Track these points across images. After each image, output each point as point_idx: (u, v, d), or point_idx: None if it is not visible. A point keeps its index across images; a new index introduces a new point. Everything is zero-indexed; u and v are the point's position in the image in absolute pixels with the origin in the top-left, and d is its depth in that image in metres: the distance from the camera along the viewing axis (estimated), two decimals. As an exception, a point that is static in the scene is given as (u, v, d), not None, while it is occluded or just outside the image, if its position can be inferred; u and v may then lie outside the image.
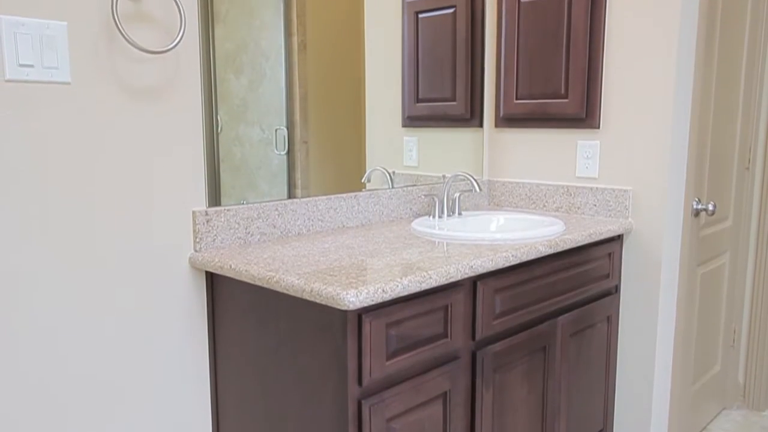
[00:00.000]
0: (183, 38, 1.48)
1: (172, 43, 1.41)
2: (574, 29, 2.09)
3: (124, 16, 1.39)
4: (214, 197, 1.62)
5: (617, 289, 2.13)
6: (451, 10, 2.18)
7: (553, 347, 1.84)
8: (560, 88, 2.15)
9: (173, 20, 1.48)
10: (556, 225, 1.86)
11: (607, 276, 2.04)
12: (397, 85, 2.07)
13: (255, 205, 1.68)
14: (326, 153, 1.88)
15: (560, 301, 1.84)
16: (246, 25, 1.64)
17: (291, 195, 1.80)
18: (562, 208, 2.23)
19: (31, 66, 1.26)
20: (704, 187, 2.27)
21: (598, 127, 2.11)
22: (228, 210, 1.62)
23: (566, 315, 1.88)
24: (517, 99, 2.27)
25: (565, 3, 2.10)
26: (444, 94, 2.21)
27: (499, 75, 2.31)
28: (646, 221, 2.06)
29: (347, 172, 1.94)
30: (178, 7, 1.42)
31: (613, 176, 2.11)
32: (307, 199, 1.80)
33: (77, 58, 1.33)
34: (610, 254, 2.03)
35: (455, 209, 2.11)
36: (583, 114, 2.12)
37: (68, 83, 1.32)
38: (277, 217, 1.73)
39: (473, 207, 2.37)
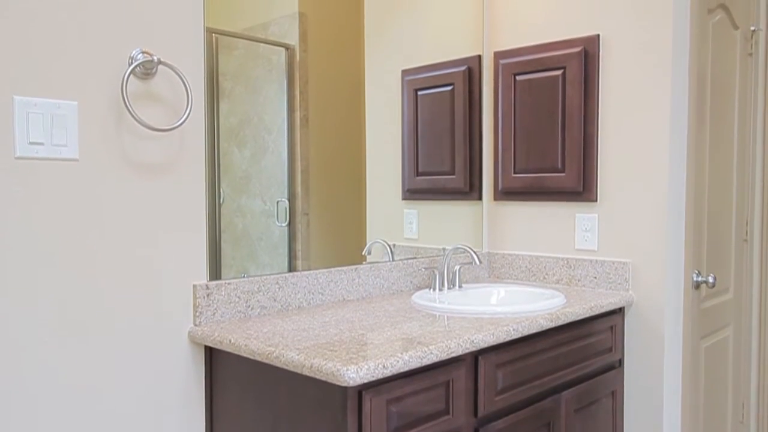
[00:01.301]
0: (189, 116, 1.52)
1: (178, 122, 1.46)
2: (569, 105, 2.16)
3: (133, 95, 1.44)
4: (215, 269, 1.63)
5: (621, 363, 2.09)
6: (449, 88, 2.25)
7: (558, 424, 1.80)
8: (557, 162, 2.19)
9: (180, 98, 1.53)
10: (557, 298, 1.86)
11: (610, 350, 2.02)
12: (397, 159, 2.11)
13: (256, 278, 1.68)
14: (327, 225, 1.89)
15: (563, 376, 1.81)
16: (250, 101, 1.69)
17: (291, 266, 1.80)
18: (562, 280, 2.23)
19: (41, 144, 1.29)
20: (703, 259, 2.28)
21: (596, 200, 2.14)
22: (229, 284, 1.62)
23: (570, 390, 1.84)
24: (515, 173, 2.31)
25: (559, 81, 2.17)
26: (443, 168, 2.25)
27: (497, 149, 2.36)
28: (647, 294, 2.05)
29: (348, 244, 1.96)
30: (186, 87, 1.47)
31: (612, 248, 2.13)
32: (308, 272, 1.81)
33: (86, 136, 1.36)
34: (612, 327, 2.02)
35: (455, 282, 2.11)
36: (581, 188, 2.15)
37: (76, 160, 1.35)
38: (277, 290, 1.73)
39: (473, 279, 2.37)
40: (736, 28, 2.47)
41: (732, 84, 2.46)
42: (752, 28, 2.59)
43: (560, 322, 1.73)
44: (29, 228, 1.29)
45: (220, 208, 1.64)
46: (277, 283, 1.73)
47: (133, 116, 1.38)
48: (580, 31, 2.15)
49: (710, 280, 2.20)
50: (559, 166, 2.19)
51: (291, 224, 1.80)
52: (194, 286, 1.56)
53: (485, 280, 2.39)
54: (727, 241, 2.47)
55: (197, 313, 1.56)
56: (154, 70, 1.46)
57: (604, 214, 2.14)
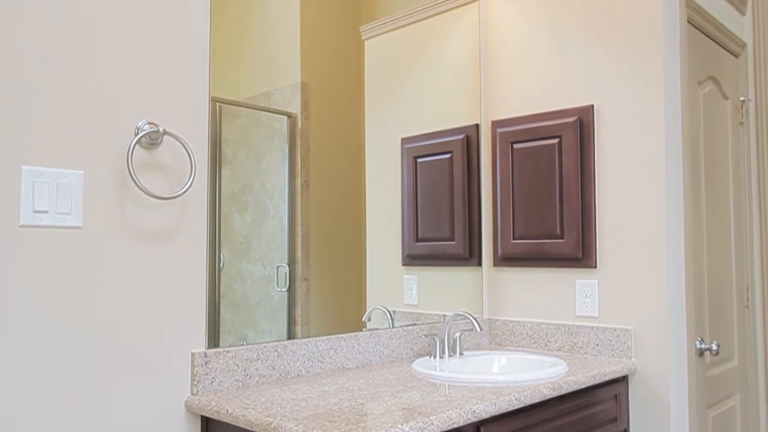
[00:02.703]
0: (192, 184, 1.55)
1: (181, 190, 1.48)
2: (566, 173, 2.19)
3: (138, 164, 1.47)
4: (214, 336, 1.61)
5: (626, 433, 2.05)
6: (447, 155, 2.30)
7: (563, 499, 1.74)
8: (556, 228, 2.21)
9: (183, 167, 1.55)
10: (559, 366, 1.83)
11: (615, 419, 1.97)
12: (397, 225, 2.13)
13: (255, 346, 1.66)
14: (327, 290, 1.89)
15: (568, 448, 1.76)
16: (252, 167, 1.72)
17: (291, 332, 1.79)
18: (564, 347, 2.20)
19: (45, 212, 1.30)
20: (705, 326, 2.26)
21: (595, 267, 2.14)
22: (227, 351, 1.60)
23: (575, 462, 1.79)
24: (514, 239, 2.32)
25: (556, 149, 2.22)
26: (443, 234, 2.26)
27: (496, 215, 2.38)
28: (650, 361, 2.03)
29: (348, 310, 1.94)
30: (190, 156, 1.50)
31: (613, 315, 2.11)
32: (307, 339, 1.79)
33: (90, 204, 1.38)
34: (615, 396, 1.98)
35: (456, 349, 2.08)
36: (580, 254, 2.16)
37: (79, 228, 1.36)
38: (276, 358, 1.71)
39: (474, 346, 2.34)
40: (726, 98, 2.54)
41: (725, 152, 2.51)
42: (741, 99, 2.66)
43: (563, 391, 1.71)
44: (30, 295, 1.29)
45: (220, 273, 1.64)
46: (276, 350, 1.71)
47: (137, 185, 1.41)
48: (575, 101, 2.21)
49: (714, 347, 2.18)
50: (558, 232, 2.20)
51: (291, 289, 1.80)
52: (192, 354, 1.54)
53: (486, 347, 2.36)
54: (728, 307, 2.46)
55: (195, 382, 1.54)
56: (159, 140, 1.49)
57: (604, 280, 2.14)
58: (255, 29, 1.75)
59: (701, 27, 2.32)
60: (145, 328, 1.47)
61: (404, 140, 2.17)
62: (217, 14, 1.65)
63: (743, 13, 2.72)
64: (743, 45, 2.68)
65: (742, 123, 2.66)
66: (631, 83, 2.10)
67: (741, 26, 2.71)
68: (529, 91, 2.33)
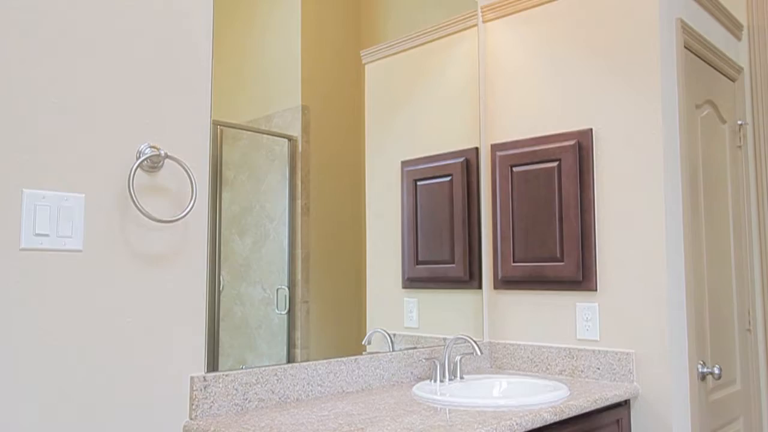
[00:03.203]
0: (193, 208, 1.55)
1: (182, 213, 1.48)
2: (565, 196, 2.20)
3: (139, 188, 1.47)
4: (213, 359, 1.60)
5: (629, 459, 2.02)
6: (447, 179, 2.30)
7: None
8: (556, 251, 2.21)
9: (185, 190, 1.56)
10: (561, 390, 1.82)
11: (617, 445, 1.95)
12: (397, 248, 2.13)
13: (254, 370, 1.65)
14: (327, 313, 1.88)
15: (570, 474, 1.74)
16: (253, 190, 1.73)
17: (290, 355, 1.78)
18: (565, 371, 2.19)
19: (46, 235, 1.31)
20: (707, 349, 2.25)
21: (596, 290, 2.14)
22: (226, 375, 1.59)
23: (577, 489, 1.77)
24: (514, 262, 2.32)
25: (555, 172, 2.23)
26: (443, 257, 2.26)
27: (496, 238, 2.39)
28: (652, 385, 2.01)
29: (347, 333, 1.94)
30: (191, 179, 1.51)
31: (614, 338, 2.10)
32: (307, 363, 1.78)
33: (91, 227, 1.38)
34: (618, 421, 1.96)
35: (457, 373, 2.07)
36: (580, 277, 2.15)
37: (80, 251, 1.36)
38: (276, 382, 1.69)
39: (475, 370, 2.32)
40: (723, 122, 2.56)
41: (723, 175, 2.52)
42: (739, 122, 2.68)
43: (565, 416, 1.69)
44: (30, 318, 1.29)
45: (219, 295, 1.64)
46: (276, 374, 1.70)
47: (138, 208, 1.41)
48: (574, 125, 2.23)
49: (716, 371, 2.17)
50: (558, 255, 2.20)
51: (290, 312, 1.79)
52: (191, 378, 1.53)
53: (487, 371, 2.34)
54: (730, 331, 2.45)
55: (193, 406, 1.52)
56: (160, 163, 1.50)
57: (604, 303, 2.13)
58: (256, 53, 1.77)
59: (698, 52, 2.35)
60: (144, 352, 1.46)
61: (404, 163, 2.18)
62: (218, 38, 1.67)
63: (739, 39, 2.75)
64: (740, 69, 2.71)
65: (740, 146, 2.68)
66: (629, 107, 2.11)
67: (737, 51, 2.74)
68: (529, 114, 2.35)
